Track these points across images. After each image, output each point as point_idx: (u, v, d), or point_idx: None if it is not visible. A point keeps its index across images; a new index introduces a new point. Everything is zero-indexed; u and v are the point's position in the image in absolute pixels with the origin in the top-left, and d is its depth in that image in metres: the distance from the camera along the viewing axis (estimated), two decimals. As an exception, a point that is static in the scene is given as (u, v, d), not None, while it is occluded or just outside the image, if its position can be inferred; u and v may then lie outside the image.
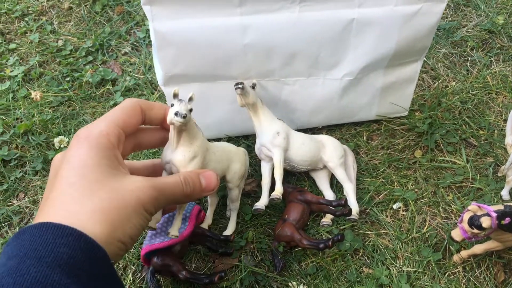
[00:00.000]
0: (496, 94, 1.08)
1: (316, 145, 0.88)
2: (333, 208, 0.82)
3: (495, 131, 1.00)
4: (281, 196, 0.79)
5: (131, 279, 0.80)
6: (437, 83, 1.10)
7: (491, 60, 1.16)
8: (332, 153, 0.89)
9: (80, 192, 0.44)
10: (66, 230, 0.41)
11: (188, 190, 0.56)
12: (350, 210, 0.81)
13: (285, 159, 0.85)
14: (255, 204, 0.80)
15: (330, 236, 0.82)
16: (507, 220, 0.68)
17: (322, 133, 0.99)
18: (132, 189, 0.48)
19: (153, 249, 0.74)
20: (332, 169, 0.88)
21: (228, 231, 0.84)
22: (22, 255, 0.39)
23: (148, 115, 0.58)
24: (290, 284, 0.78)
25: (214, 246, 0.82)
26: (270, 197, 0.79)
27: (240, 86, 0.79)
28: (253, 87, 0.84)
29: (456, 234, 0.74)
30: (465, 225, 0.70)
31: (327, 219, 0.86)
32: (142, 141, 0.61)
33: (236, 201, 0.85)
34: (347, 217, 0.83)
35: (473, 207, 0.71)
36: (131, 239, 0.47)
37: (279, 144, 0.83)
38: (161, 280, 0.80)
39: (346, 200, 0.81)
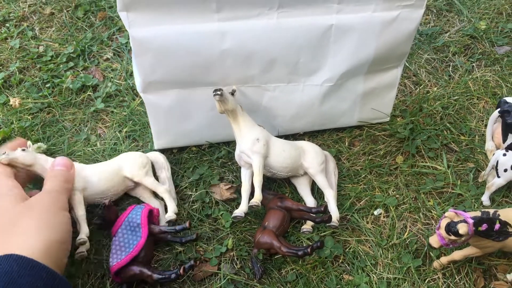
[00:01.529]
0: (477, 99, 1.08)
1: (297, 152, 0.88)
2: (313, 215, 0.82)
3: (476, 136, 1.00)
4: (260, 203, 0.79)
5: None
6: (419, 89, 1.10)
7: (473, 66, 1.16)
8: (312, 159, 0.88)
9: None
10: (30, 262, 0.46)
11: None
12: (330, 217, 0.81)
13: (265, 166, 0.84)
14: (234, 212, 0.80)
15: (310, 243, 0.81)
16: (484, 226, 0.67)
17: (304, 139, 0.99)
18: (38, 209, 0.67)
19: (120, 267, 0.75)
20: (313, 175, 0.88)
21: (170, 213, 0.84)
22: None
23: None
24: (269, 292, 0.77)
25: (177, 239, 0.81)
26: (249, 204, 0.79)
27: (218, 92, 0.79)
28: (233, 93, 0.84)
29: (434, 241, 0.73)
30: (443, 231, 0.70)
31: (308, 226, 0.85)
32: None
33: (158, 186, 0.87)
34: (327, 224, 0.83)
35: (450, 213, 0.71)
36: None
37: (259, 151, 0.82)
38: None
39: (326, 207, 0.81)
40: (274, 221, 0.82)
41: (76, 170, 0.82)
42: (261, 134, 0.84)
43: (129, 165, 0.86)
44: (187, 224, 0.80)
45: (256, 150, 0.82)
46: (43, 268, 0.47)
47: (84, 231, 0.79)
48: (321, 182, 0.88)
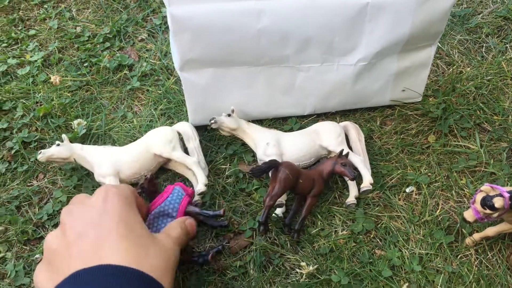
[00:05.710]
0: (511, 80, 1.07)
1: (310, 137, 0.90)
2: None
3: (510, 116, 1.00)
4: (284, 201, 0.85)
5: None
6: (451, 69, 1.10)
7: (506, 47, 1.16)
8: (328, 136, 0.90)
9: (134, 244, 0.54)
10: (129, 270, 0.49)
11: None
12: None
13: None
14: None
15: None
16: (520, 201, 0.68)
17: (336, 118, 1.00)
18: (168, 248, 0.60)
19: None
20: (335, 151, 0.89)
21: (200, 185, 0.85)
22: None
23: None
24: (301, 264, 0.79)
25: (209, 222, 0.84)
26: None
27: (212, 121, 0.88)
28: (230, 114, 0.90)
29: (469, 215, 0.74)
30: (478, 205, 0.71)
31: (351, 198, 0.86)
32: None
33: (186, 159, 0.88)
34: (362, 190, 0.85)
35: (486, 187, 0.71)
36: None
37: (271, 153, 0.87)
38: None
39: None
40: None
41: (108, 155, 0.88)
42: (269, 136, 0.89)
43: (157, 142, 0.88)
44: (221, 212, 0.82)
45: (269, 154, 0.87)
46: (142, 276, 0.50)
47: None
48: None
